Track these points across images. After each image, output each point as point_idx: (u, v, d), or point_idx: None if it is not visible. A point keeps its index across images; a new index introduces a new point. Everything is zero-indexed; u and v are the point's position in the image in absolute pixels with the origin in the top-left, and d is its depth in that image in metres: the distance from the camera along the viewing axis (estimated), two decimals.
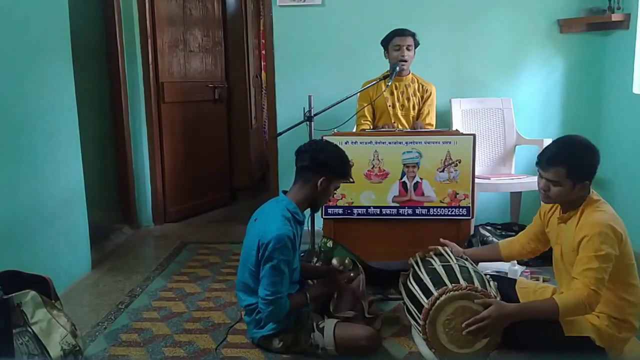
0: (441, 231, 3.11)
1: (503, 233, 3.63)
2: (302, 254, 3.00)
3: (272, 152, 4.35)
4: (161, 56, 4.42)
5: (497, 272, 3.00)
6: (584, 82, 4.14)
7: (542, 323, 2.11)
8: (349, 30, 4.12)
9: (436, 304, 2.15)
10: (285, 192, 2.55)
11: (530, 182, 3.69)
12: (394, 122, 3.59)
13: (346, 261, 2.74)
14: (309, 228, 3.01)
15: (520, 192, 3.98)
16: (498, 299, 2.18)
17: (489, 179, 3.76)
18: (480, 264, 2.61)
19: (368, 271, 2.90)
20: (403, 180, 3.15)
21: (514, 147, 4.03)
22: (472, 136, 3.14)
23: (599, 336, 2.14)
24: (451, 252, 2.46)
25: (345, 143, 3.05)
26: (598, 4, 3.96)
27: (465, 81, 4.14)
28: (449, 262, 2.34)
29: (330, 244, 3.16)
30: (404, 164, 3.13)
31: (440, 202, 3.14)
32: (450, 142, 3.12)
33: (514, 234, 3.54)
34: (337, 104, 3.24)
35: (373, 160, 3.14)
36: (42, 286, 2.19)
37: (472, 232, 3.31)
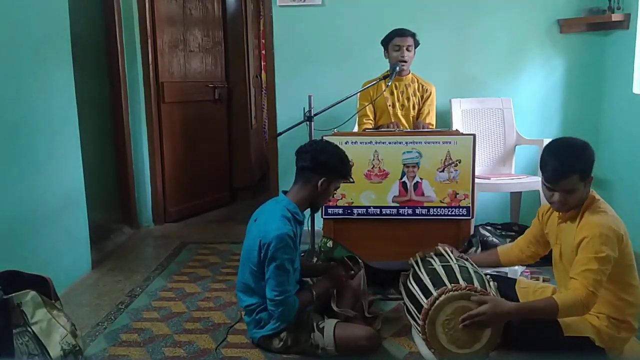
0: (441, 231, 3.13)
1: (503, 233, 3.63)
2: (302, 254, 3.00)
3: (272, 152, 4.35)
4: (161, 56, 4.42)
5: (497, 272, 2.99)
6: (584, 82, 4.14)
7: (542, 323, 2.11)
8: (349, 30, 4.12)
9: (435, 304, 2.14)
10: (285, 192, 2.55)
11: (530, 182, 3.69)
12: (393, 122, 3.59)
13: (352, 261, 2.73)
14: (309, 228, 3.01)
15: (520, 192, 3.97)
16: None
17: (489, 179, 3.76)
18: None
19: (368, 271, 2.90)
20: (403, 180, 3.15)
21: (514, 147, 4.03)
22: (472, 136, 3.14)
23: (599, 336, 2.14)
24: (451, 252, 2.46)
25: (345, 143, 3.05)
26: (598, 4, 3.96)
27: (465, 81, 4.14)
28: (449, 262, 2.34)
29: (330, 243, 3.17)
30: (404, 164, 3.13)
31: (440, 202, 3.15)
32: (450, 142, 3.12)
33: (513, 234, 3.56)
34: (337, 104, 3.24)
35: (373, 160, 3.14)
36: (42, 286, 2.19)
37: (472, 232, 3.32)
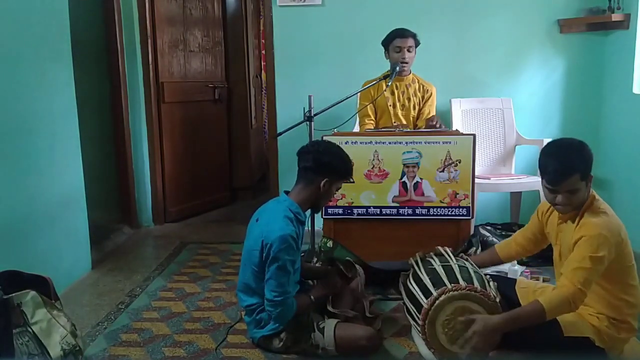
0: (441, 231, 3.13)
1: (503, 233, 3.63)
2: (302, 254, 3.00)
3: (272, 152, 4.35)
4: (161, 56, 4.42)
5: (497, 272, 3.00)
6: (584, 82, 4.14)
7: (542, 324, 2.11)
8: (349, 30, 4.12)
9: (435, 304, 2.15)
10: (287, 193, 2.55)
11: (530, 182, 3.69)
12: (395, 122, 3.59)
13: (349, 274, 2.72)
14: (309, 228, 3.01)
15: (520, 192, 3.97)
16: (498, 299, 2.18)
17: (489, 179, 3.76)
18: None
19: (368, 271, 2.90)
20: (403, 180, 3.15)
21: (514, 147, 4.03)
22: (472, 136, 3.14)
23: (599, 337, 2.14)
24: (451, 252, 2.46)
25: (345, 143, 3.05)
26: (598, 4, 3.96)
27: (465, 81, 4.14)
28: (449, 262, 2.34)
29: (330, 244, 3.17)
30: (404, 164, 3.13)
31: (440, 202, 3.15)
32: (450, 142, 3.12)
33: (513, 234, 3.56)
34: (337, 104, 3.24)
35: (373, 160, 3.14)
36: (42, 286, 2.19)
37: (472, 232, 3.31)
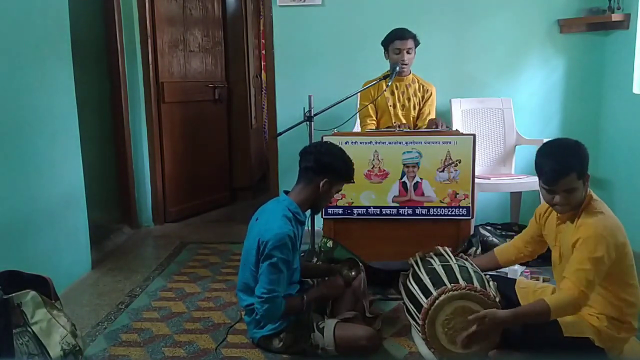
0: (441, 231, 3.13)
1: (503, 233, 3.63)
2: (302, 254, 3.00)
3: (272, 152, 4.35)
4: (161, 56, 4.42)
5: (496, 272, 3.00)
6: (584, 82, 4.14)
7: (542, 323, 2.11)
8: (349, 30, 4.12)
9: (435, 304, 2.15)
10: (286, 192, 2.55)
11: (530, 182, 3.69)
12: (395, 122, 3.59)
13: (352, 271, 2.71)
14: (309, 228, 3.01)
15: (520, 192, 3.98)
16: (498, 299, 2.18)
17: (489, 179, 3.76)
18: None
19: (368, 271, 2.89)
20: (403, 180, 3.15)
21: (514, 147, 4.03)
22: (472, 136, 3.14)
23: (599, 337, 2.14)
24: (451, 252, 2.46)
25: (345, 143, 3.05)
26: (598, 4, 3.96)
27: (465, 81, 4.14)
28: (449, 262, 2.34)
29: (330, 244, 3.17)
30: (404, 164, 3.13)
31: (440, 202, 3.15)
32: (450, 142, 3.12)
33: (513, 234, 3.56)
34: (337, 104, 3.24)
35: (373, 160, 3.14)
36: (42, 286, 2.19)
37: (472, 232, 3.31)
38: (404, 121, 3.61)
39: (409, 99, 3.63)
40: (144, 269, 3.58)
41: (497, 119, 4.04)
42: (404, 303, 2.43)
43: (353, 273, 2.64)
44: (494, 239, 3.54)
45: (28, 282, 2.15)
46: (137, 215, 4.47)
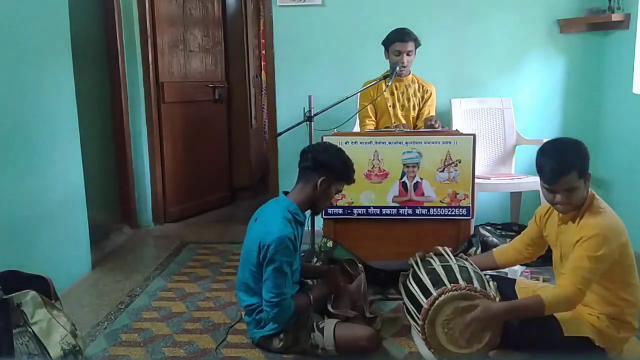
0: (441, 231, 3.13)
1: (503, 233, 3.63)
2: (302, 254, 3.00)
3: (272, 152, 4.35)
4: (161, 56, 4.42)
5: (497, 272, 3.00)
6: (584, 82, 4.14)
7: (542, 323, 2.11)
8: (349, 30, 4.12)
9: (435, 304, 2.15)
10: (286, 193, 2.54)
11: (530, 182, 3.69)
12: (395, 123, 3.59)
13: (349, 267, 2.70)
14: (309, 228, 3.01)
15: (520, 192, 3.98)
16: (498, 299, 2.18)
17: (489, 179, 3.76)
18: None
19: (368, 271, 2.90)
20: (403, 180, 3.15)
21: (514, 147, 4.03)
22: (472, 136, 3.14)
23: (599, 336, 2.14)
24: (451, 252, 2.46)
25: (345, 143, 3.05)
26: (598, 4, 3.96)
27: (465, 81, 4.14)
28: (449, 262, 2.34)
29: (330, 244, 3.17)
30: (404, 164, 3.13)
31: (440, 202, 3.14)
32: (450, 142, 3.12)
33: (513, 234, 3.56)
34: (337, 104, 3.24)
35: (373, 160, 3.14)
36: (42, 286, 2.19)
37: (472, 232, 3.31)
38: (403, 121, 3.61)
39: (408, 99, 3.63)
40: (144, 269, 3.59)
41: (497, 119, 4.04)
42: (404, 303, 2.43)
43: (353, 273, 2.64)
44: (494, 239, 3.54)
45: (28, 282, 2.16)
46: (137, 215, 4.47)
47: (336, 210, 3.19)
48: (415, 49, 3.53)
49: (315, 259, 3.16)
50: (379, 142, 3.13)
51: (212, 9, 4.93)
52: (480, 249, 3.19)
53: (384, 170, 3.14)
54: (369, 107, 3.59)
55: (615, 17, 3.80)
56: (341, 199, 3.16)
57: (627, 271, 2.14)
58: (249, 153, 5.49)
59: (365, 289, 2.76)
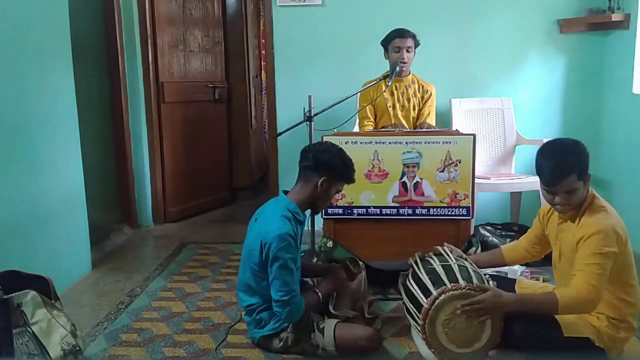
0: (441, 231, 3.12)
1: (503, 233, 3.63)
2: (302, 254, 3.00)
3: (272, 152, 4.35)
4: (161, 56, 4.42)
5: (496, 272, 3.00)
6: (584, 82, 4.14)
7: (542, 323, 2.11)
8: (349, 30, 4.12)
9: (435, 304, 2.15)
10: (285, 192, 2.55)
11: (530, 182, 3.69)
12: (394, 122, 3.59)
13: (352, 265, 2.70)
14: (309, 228, 3.01)
15: (520, 192, 3.98)
16: None
17: (489, 179, 3.76)
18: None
19: (368, 271, 2.90)
20: (403, 180, 3.15)
21: (514, 147, 4.03)
22: (472, 136, 3.14)
23: (598, 336, 2.13)
24: (451, 252, 2.46)
25: (345, 143, 3.05)
26: (598, 4, 3.96)
27: (465, 81, 4.14)
28: (448, 261, 2.34)
29: (330, 243, 3.17)
30: (404, 164, 3.13)
31: (440, 202, 3.15)
32: (450, 142, 3.12)
33: (513, 234, 3.57)
34: (337, 104, 3.24)
35: (373, 160, 3.14)
36: (42, 286, 2.19)
37: (472, 232, 3.31)
38: (403, 122, 3.61)
39: (408, 100, 3.63)
40: (144, 269, 3.59)
41: (497, 119, 4.04)
42: (404, 303, 2.43)
43: (355, 271, 2.64)
44: (494, 239, 3.54)
45: (28, 282, 2.16)
46: (137, 215, 4.47)
47: (336, 210, 3.19)
48: (415, 47, 3.53)
49: (315, 259, 3.16)
50: (379, 142, 3.13)
51: (212, 9, 4.93)
52: (480, 248, 3.19)
53: (384, 170, 3.14)
54: (367, 107, 3.59)
55: (615, 17, 3.80)
56: (341, 199, 3.16)
57: (627, 271, 2.13)
58: (249, 153, 5.49)
59: (365, 288, 2.75)
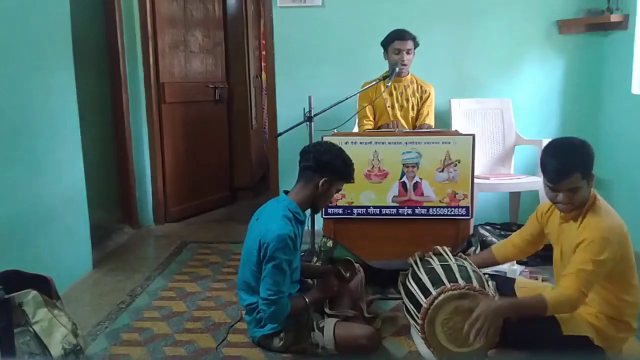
0: (440, 231, 3.14)
1: (502, 233, 3.63)
2: (302, 254, 3.01)
3: (272, 152, 4.36)
4: (162, 57, 4.43)
5: (496, 272, 3.01)
6: (583, 83, 4.15)
7: (541, 322, 2.12)
8: (349, 31, 4.13)
9: (434, 304, 2.16)
10: (286, 192, 2.56)
11: (530, 182, 3.70)
12: (393, 121, 3.60)
13: (347, 273, 2.69)
14: (309, 228, 3.02)
15: (519, 192, 3.98)
16: (496, 298, 2.19)
17: (488, 179, 3.77)
18: None
19: (368, 271, 2.91)
20: (403, 180, 3.16)
21: (513, 147, 4.04)
22: (471, 136, 3.15)
23: (598, 336, 2.14)
24: (450, 251, 2.47)
25: (345, 143, 3.06)
26: (597, 5, 3.97)
27: (464, 82, 4.15)
28: (448, 261, 2.35)
29: (330, 243, 3.18)
30: (404, 164, 3.14)
31: (440, 202, 3.16)
32: (449, 142, 3.13)
33: (511, 235, 3.56)
34: (337, 104, 3.25)
35: (373, 160, 3.15)
36: (43, 286, 2.20)
37: (471, 232, 3.32)
38: (402, 122, 3.62)
39: (407, 100, 3.64)
40: (144, 268, 3.60)
41: (497, 119, 4.05)
42: (404, 302, 2.44)
43: (348, 274, 2.62)
44: (493, 239, 3.54)
45: (29, 282, 2.16)
46: (138, 215, 4.48)
47: (336, 210, 3.20)
48: (414, 48, 3.55)
49: (315, 259, 3.17)
50: (378, 142, 3.15)
51: (212, 9, 4.94)
52: (479, 248, 3.20)
53: (384, 170, 3.15)
54: (367, 107, 3.60)
55: (614, 17, 3.81)
56: (341, 198, 3.17)
57: (627, 271, 2.14)
58: (249, 153, 5.50)
59: (362, 290, 2.76)
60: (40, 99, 3.03)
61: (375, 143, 3.15)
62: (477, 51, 4.14)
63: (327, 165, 2.45)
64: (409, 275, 2.42)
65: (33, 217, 2.93)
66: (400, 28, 3.54)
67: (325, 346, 2.40)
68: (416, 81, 3.66)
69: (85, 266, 3.51)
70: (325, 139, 3.04)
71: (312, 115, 3.21)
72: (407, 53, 3.50)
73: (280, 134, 3.38)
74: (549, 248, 2.40)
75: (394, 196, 3.17)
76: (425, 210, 3.17)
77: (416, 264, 2.43)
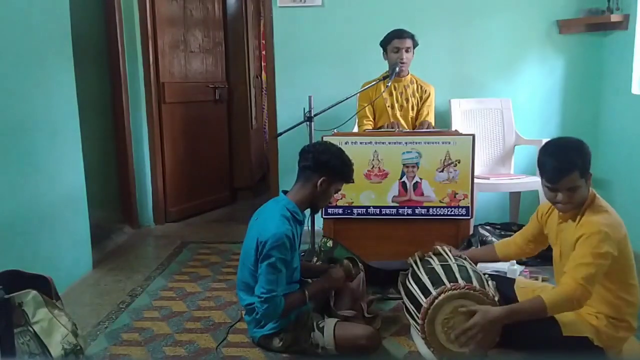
0: (440, 231, 3.14)
1: (502, 233, 3.63)
2: (302, 254, 3.01)
3: (272, 152, 4.36)
4: (162, 57, 4.43)
5: (496, 271, 3.01)
6: (583, 83, 4.15)
7: (541, 323, 2.12)
8: (348, 31, 4.13)
9: (434, 304, 2.15)
10: (285, 192, 2.56)
11: (529, 182, 3.70)
12: (392, 121, 3.60)
13: (351, 265, 2.70)
14: (309, 228, 3.02)
15: (519, 192, 3.98)
16: (497, 298, 2.19)
17: (488, 179, 3.77)
18: (479, 263, 2.62)
19: (368, 271, 2.91)
20: (403, 180, 3.16)
21: (513, 147, 4.04)
22: (471, 136, 3.15)
23: (598, 336, 2.14)
24: (450, 251, 2.47)
25: (345, 143, 3.07)
26: (597, 5, 3.97)
27: (464, 81, 4.15)
28: (448, 261, 2.35)
29: (330, 243, 3.18)
30: (404, 164, 3.14)
31: (440, 202, 3.16)
32: (449, 142, 3.13)
33: (513, 234, 3.54)
34: (337, 104, 3.25)
35: (373, 160, 3.15)
36: (43, 286, 2.20)
37: (471, 231, 3.32)
38: (402, 121, 3.62)
39: (407, 100, 3.64)
40: (144, 268, 3.60)
41: (497, 119, 4.05)
42: (404, 302, 2.43)
43: (354, 272, 2.64)
44: (493, 239, 3.54)
45: (29, 282, 2.16)
46: (138, 215, 4.48)
47: (336, 210, 3.20)
48: (414, 47, 3.55)
49: (315, 259, 3.17)
50: (378, 142, 3.15)
51: (212, 9, 4.94)
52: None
53: (384, 170, 3.15)
54: (367, 107, 3.60)
55: (614, 17, 3.81)
56: (341, 198, 3.17)
57: (627, 271, 2.14)
58: (249, 153, 5.50)
59: (363, 289, 2.76)
60: (41, 99, 3.03)
61: (375, 143, 3.15)
62: (477, 51, 4.14)
63: (325, 164, 2.45)
64: (409, 275, 2.42)
65: (33, 217, 2.93)
66: (399, 28, 3.53)
67: (325, 346, 2.40)
68: (416, 81, 3.66)
69: (85, 266, 3.51)
70: (325, 139, 3.04)
71: (312, 115, 3.21)
72: (406, 51, 3.50)
73: (280, 134, 3.38)
74: (549, 248, 2.40)
75: (394, 196, 3.18)
76: (425, 210, 3.17)
77: (416, 264, 2.43)
